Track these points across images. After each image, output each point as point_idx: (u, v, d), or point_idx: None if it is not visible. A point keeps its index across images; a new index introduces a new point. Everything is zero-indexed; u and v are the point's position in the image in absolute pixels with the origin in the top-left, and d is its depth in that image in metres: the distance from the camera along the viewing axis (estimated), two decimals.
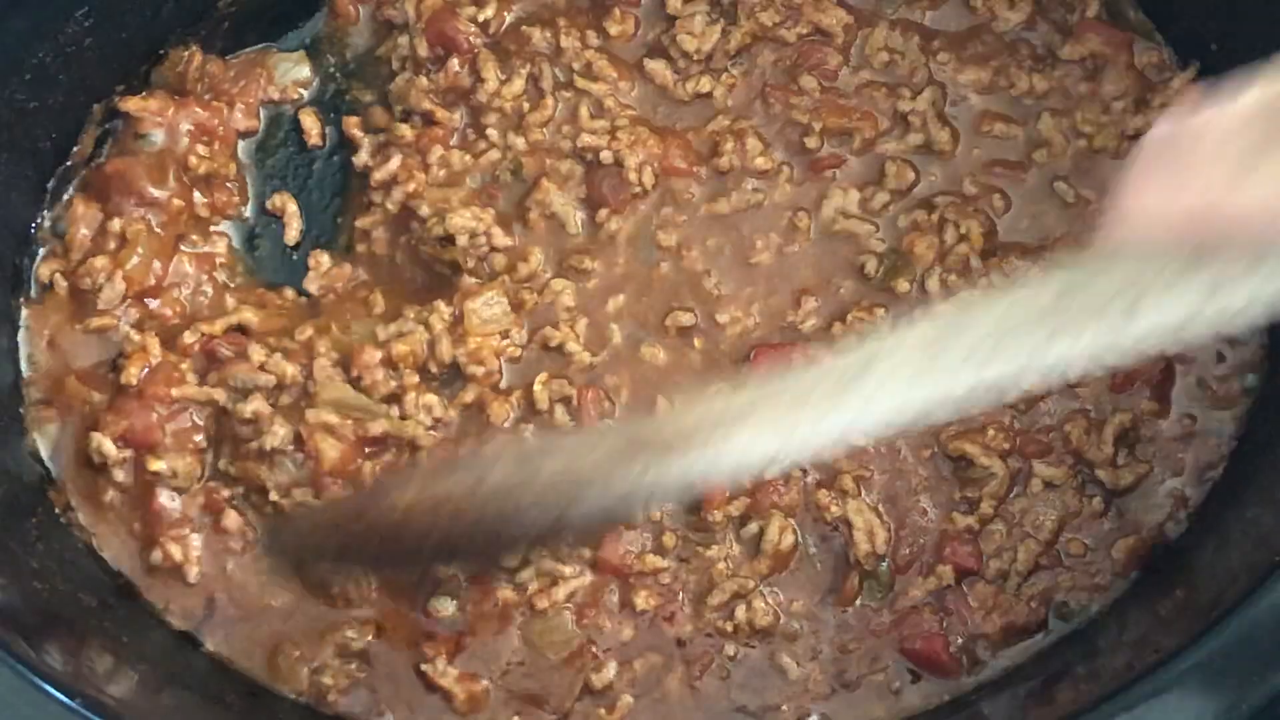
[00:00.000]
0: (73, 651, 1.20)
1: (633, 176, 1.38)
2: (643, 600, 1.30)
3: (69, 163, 1.41)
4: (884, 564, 1.31)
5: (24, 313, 1.38)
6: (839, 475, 1.32)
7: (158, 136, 1.42)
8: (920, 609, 1.30)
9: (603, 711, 1.29)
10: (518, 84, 1.42)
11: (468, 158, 1.41)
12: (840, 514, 1.31)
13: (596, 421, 1.33)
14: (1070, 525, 1.32)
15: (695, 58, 1.42)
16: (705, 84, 1.42)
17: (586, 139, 1.39)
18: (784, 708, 1.29)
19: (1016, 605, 1.30)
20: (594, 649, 1.30)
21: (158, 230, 1.39)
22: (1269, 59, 1.33)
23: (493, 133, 1.41)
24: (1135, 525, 1.31)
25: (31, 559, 1.26)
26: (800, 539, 1.32)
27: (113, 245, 1.38)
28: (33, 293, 1.38)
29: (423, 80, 1.43)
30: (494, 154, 1.41)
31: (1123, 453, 1.32)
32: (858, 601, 1.31)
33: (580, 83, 1.42)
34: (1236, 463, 1.31)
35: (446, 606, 1.31)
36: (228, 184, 1.43)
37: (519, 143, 1.41)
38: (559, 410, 1.33)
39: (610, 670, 1.29)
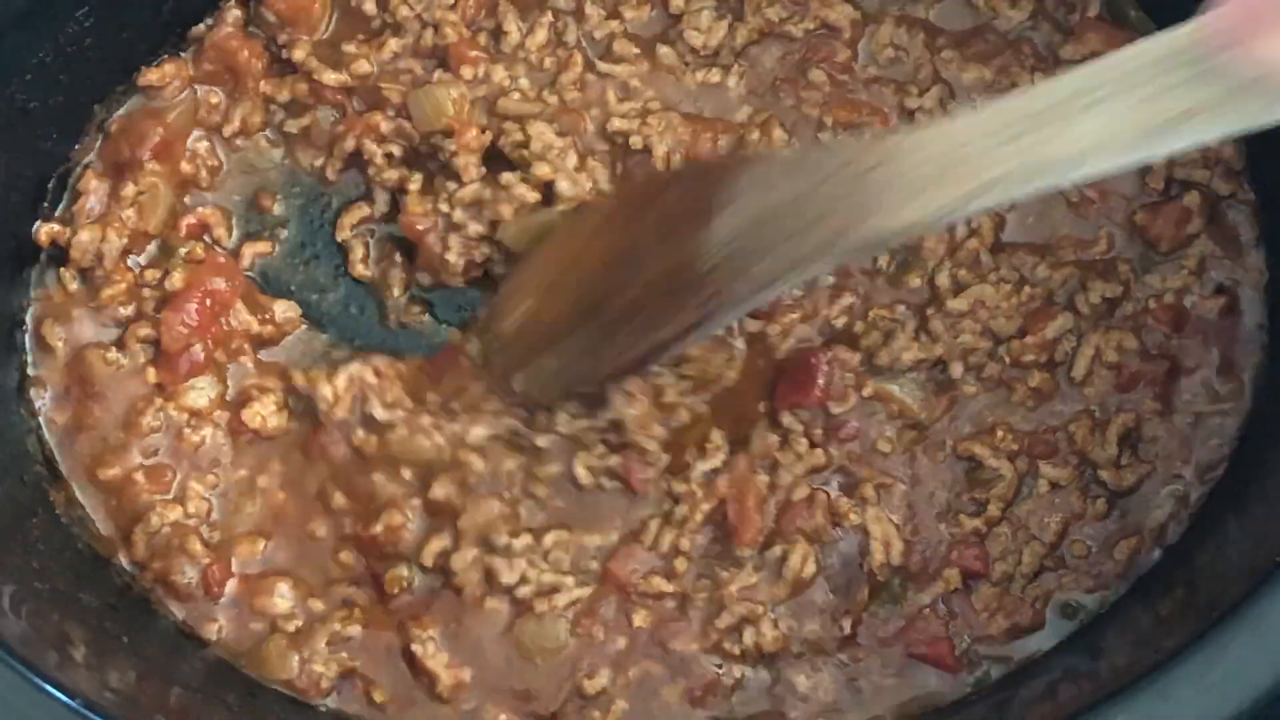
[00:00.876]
0: (73, 651, 1.20)
1: (660, 165, 1.37)
2: (641, 619, 1.30)
3: (69, 163, 1.41)
4: (896, 580, 1.31)
5: (27, 312, 1.38)
6: (861, 483, 1.32)
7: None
8: (927, 613, 1.30)
9: (597, 715, 1.29)
10: (541, 35, 1.41)
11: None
12: (859, 522, 1.31)
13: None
14: (1074, 527, 1.32)
15: (702, 53, 1.42)
16: (715, 75, 1.41)
17: (617, 123, 1.38)
18: (793, 715, 1.29)
19: (1020, 607, 1.30)
20: (587, 659, 1.30)
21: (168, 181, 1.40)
22: None
23: (524, 82, 1.40)
24: (1137, 526, 1.31)
25: (31, 559, 1.26)
26: (821, 566, 1.31)
27: (127, 208, 1.38)
28: (33, 293, 1.39)
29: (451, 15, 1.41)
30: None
31: (1126, 453, 1.32)
32: (867, 613, 1.31)
33: (603, 66, 1.41)
34: (1237, 463, 1.31)
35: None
36: None
37: (552, 100, 1.39)
38: None
39: (603, 677, 1.30)
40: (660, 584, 1.31)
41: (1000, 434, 1.33)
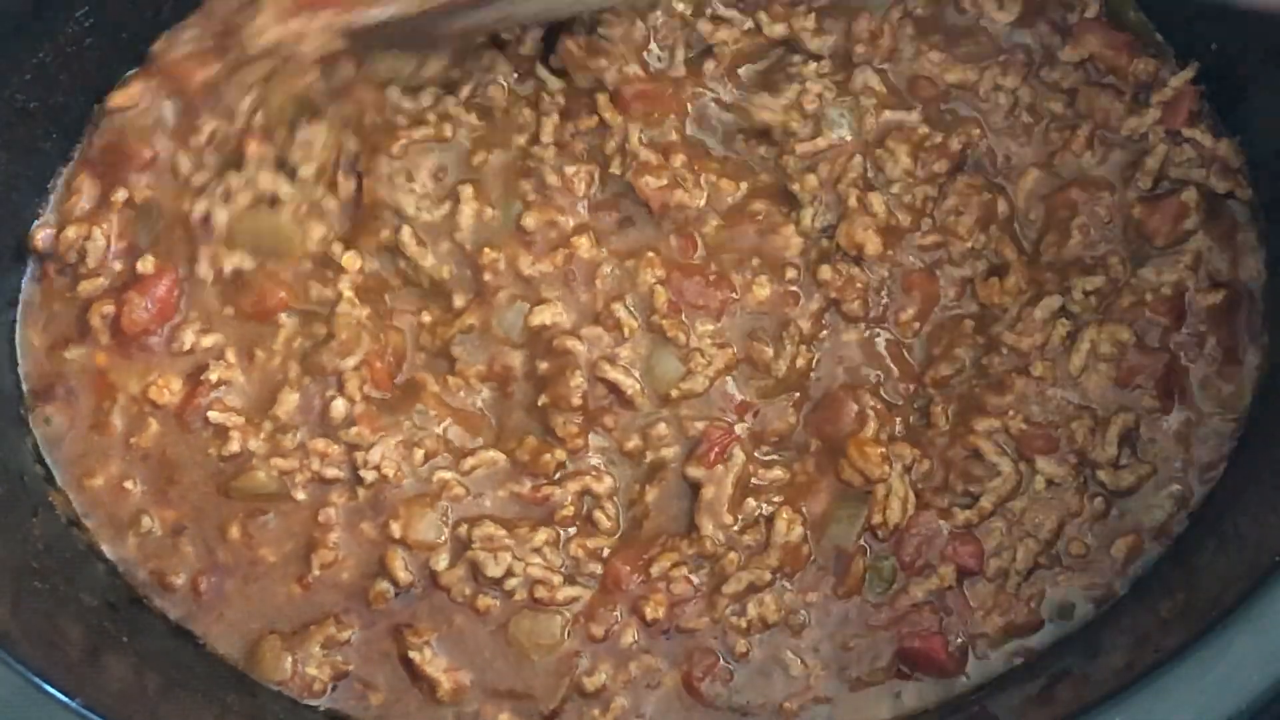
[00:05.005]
0: (73, 651, 1.20)
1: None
2: (652, 609, 1.30)
3: (69, 163, 1.41)
4: (889, 560, 1.31)
5: (20, 311, 1.38)
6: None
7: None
8: (920, 608, 1.30)
9: (596, 712, 1.29)
10: None
11: None
12: (883, 475, 1.31)
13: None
14: (1071, 525, 1.32)
15: None
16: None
17: None
18: (785, 705, 1.29)
19: (1016, 605, 1.30)
20: (582, 656, 1.30)
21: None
22: (1268, 59, 1.34)
23: None
24: (1135, 525, 1.31)
25: (32, 559, 1.26)
26: (807, 535, 1.32)
27: (116, 211, 1.38)
28: (24, 296, 1.39)
29: None
30: None
31: (1125, 453, 1.32)
32: (860, 594, 1.31)
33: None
34: (1237, 463, 1.31)
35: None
36: None
37: None
38: None
39: (603, 674, 1.30)
40: (671, 558, 1.31)
41: (1011, 414, 1.32)
